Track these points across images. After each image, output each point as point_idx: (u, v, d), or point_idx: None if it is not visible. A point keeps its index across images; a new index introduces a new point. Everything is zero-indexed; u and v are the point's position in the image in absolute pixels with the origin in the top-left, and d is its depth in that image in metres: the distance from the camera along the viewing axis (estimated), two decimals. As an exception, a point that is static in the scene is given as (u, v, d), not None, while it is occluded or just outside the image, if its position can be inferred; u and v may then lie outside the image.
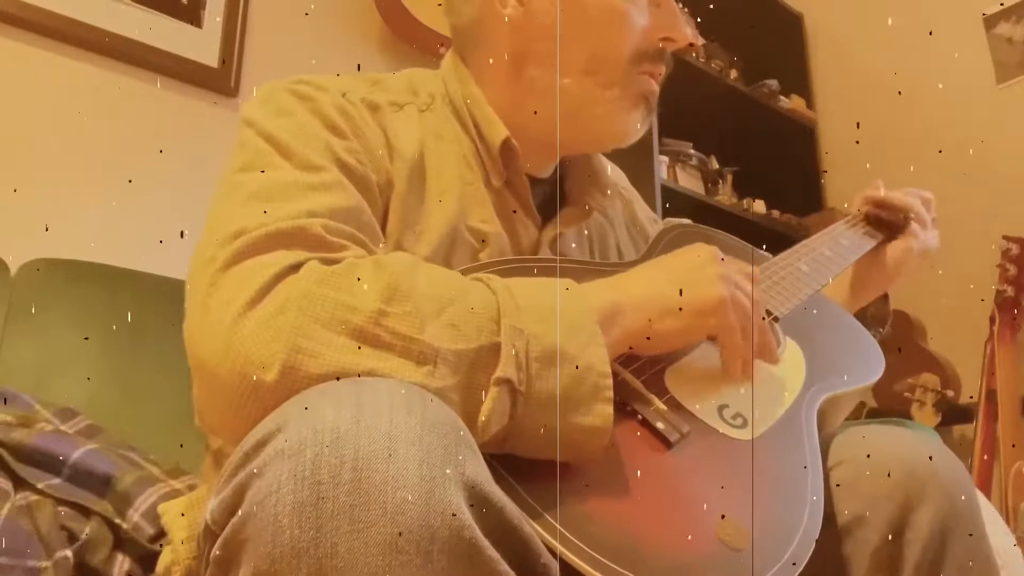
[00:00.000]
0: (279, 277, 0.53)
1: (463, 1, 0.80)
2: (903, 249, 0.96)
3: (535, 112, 0.78)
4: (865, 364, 0.80)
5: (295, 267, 0.54)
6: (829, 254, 0.91)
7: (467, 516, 0.42)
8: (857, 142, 2.61)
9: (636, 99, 0.79)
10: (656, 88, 0.80)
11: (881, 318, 0.97)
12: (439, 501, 0.41)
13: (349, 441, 0.42)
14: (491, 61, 0.80)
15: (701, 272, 0.66)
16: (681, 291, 0.65)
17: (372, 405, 0.44)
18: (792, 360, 0.76)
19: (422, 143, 0.75)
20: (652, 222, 0.99)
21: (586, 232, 0.86)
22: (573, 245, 0.83)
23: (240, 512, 0.42)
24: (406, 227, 0.71)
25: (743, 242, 0.93)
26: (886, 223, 0.99)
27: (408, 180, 0.72)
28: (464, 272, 0.61)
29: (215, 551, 0.44)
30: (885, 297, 1.01)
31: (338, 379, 0.49)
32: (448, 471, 0.43)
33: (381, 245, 0.66)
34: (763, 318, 0.70)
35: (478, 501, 0.44)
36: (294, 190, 0.61)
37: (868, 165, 2.51)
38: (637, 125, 0.80)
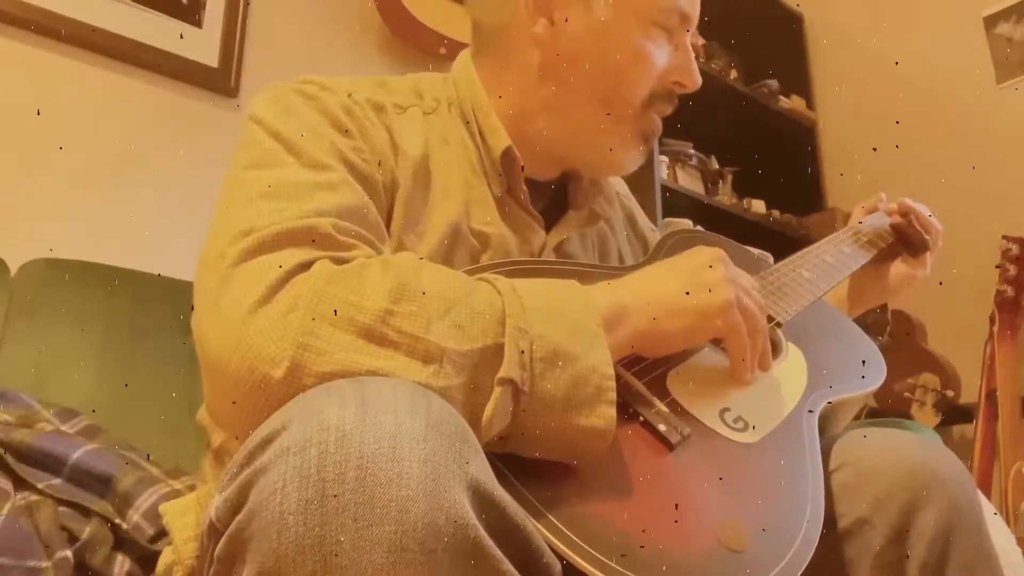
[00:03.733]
0: (289, 275, 0.54)
1: (492, 4, 0.80)
2: (909, 275, 0.98)
3: (543, 128, 0.79)
4: (866, 370, 0.80)
5: (305, 266, 0.55)
6: (831, 261, 0.91)
7: (471, 515, 0.42)
8: (854, 139, 2.61)
9: (640, 137, 0.80)
10: (660, 127, 0.82)
11: (880, 325, 0.98)
12: (443, 500, 0.41)
13: (354, 439, 0.42)
14: (510, 70, 0.80)
15: (708, 273, 0.66)
16: (688, 292, 0.65)
17: (377, 404, 0.44)
18: (794, 365, 0.76)
19: (427, 145, 0.75)
20: (651, 231, 1.00)
21: (589, 237, 0.87)
22: (577, 249, 0.84)
23: (245, 509, 0.43)
24: (409, 227, 0.71)
25: (744, 247, 0.93)
26: (905, 237, 0.99)
27: (412, 180, 0.72)
28: (471, 273, 0.61)
29: (219, 549, 0.44)
30: (884, 305, 1.02)
31: (345, 377, 0.49)
32: (452, 470, 0.43)
33: (386, 244, 0.66)
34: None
35: (482, 500, 0.44)
36: (303, 189, 0.61)
37: (869, 160, 2.51)
38: (636, 159, 0.82)
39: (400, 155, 0.73)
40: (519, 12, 0.78)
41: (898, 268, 0.99)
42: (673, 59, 0.80)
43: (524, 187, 0.78)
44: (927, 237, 0.98)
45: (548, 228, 0.81)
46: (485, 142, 0.78)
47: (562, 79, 0.78)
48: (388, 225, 0.70)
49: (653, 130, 0.81)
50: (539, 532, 0.49)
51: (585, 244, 0.85)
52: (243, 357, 0.51)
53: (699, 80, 0.81)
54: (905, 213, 0.99)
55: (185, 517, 0.71)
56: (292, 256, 0.55)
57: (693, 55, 0.81)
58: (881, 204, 1.04)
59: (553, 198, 0.86)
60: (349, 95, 0.72)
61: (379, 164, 0.70)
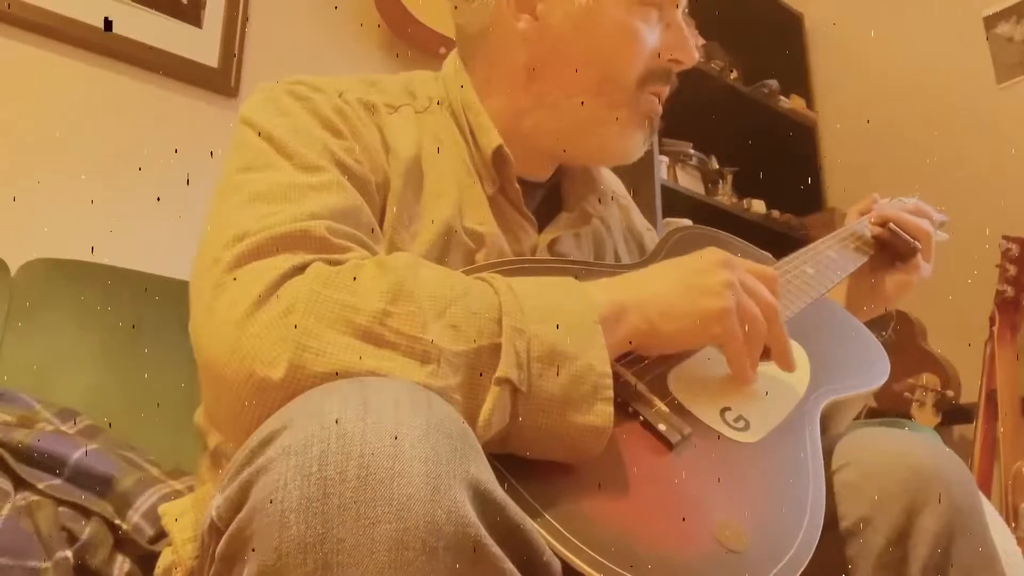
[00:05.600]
0: (284, 278, 0.54)
1: (474, 8, 0.79)
2: (903, 283, 0.94)
3: (538, 125, 0.78)
4: (869, 368, 0.79)
5: (300, 269, 0.55)
6: (835, 257, 0.90)
7: (472, 514, 0.42)
8: (854, 139, 2.61)
9: (641, 119, 0.79)
10: (660, 109, 0.81)
11: (883, 323, 0.97)
12: (444, 499, 0.41)
13: (355, 438, 0.42)
14: (499, 71, 0.79)
15: (709, 278, 0.66)
16: (687, 295, 0.65)
17: (378, 403, 0.44)
18: (797, 363, 0.75)
19: (419, 144, 0.75)
20: (647, 231, 0.99)
21: (584, 237, 0.86)
22: (571, 249, 0.83)
23: (246, 508, 0.43)
24: (401, 227, 0.71)
25: (747, 244, 0.92)
26: (889, 247, 0.95)
27: (404, 180, 0.72)
28: (468, 272, 0.61)
29: (220, 547, 0.44)
30: None
31: (344, 378, 0.49)
32: (453, 469, 0.43)
33: (380, 245, 0.66)
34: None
35: (482, 499, 0.44)
36: (296, 191, 0.61)
37: (869, 163, 2.50)
38: (640, 144, 0.81)
39: (392, 155, 0.73)
40: (502, 12, 0.77)
41: (893, 275, 0.95)
42: (666, 37, 0.78)
43: (516, 186, 0.78)
44: (913, 242, 0.93)
45: (541, 228, 0.81)
46: (476, 141, 0.78)
47: (552, 73, 0.77)
48: (381, 225, 0.69)
49: (652, 111, 0.80)
50: (538, 532, 0.49)
51: (580, 244, 0.85)
52: (241, 360, 0.51)
53: (696, 55, 0.80)
54: (884, 223, 0.95)
55: (184, 518, 0.71)
56: (287, 260, 0.55)
57: (687, 31, 0.80)
58: (876, 206, 1.00)
59: (546, 198, 0.85)
60: (340, 95, 0.72)
61: (371, 164, 0.70)
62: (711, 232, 0.91)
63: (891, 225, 0.94)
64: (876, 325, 0.93)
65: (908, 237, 0.93)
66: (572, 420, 0.54)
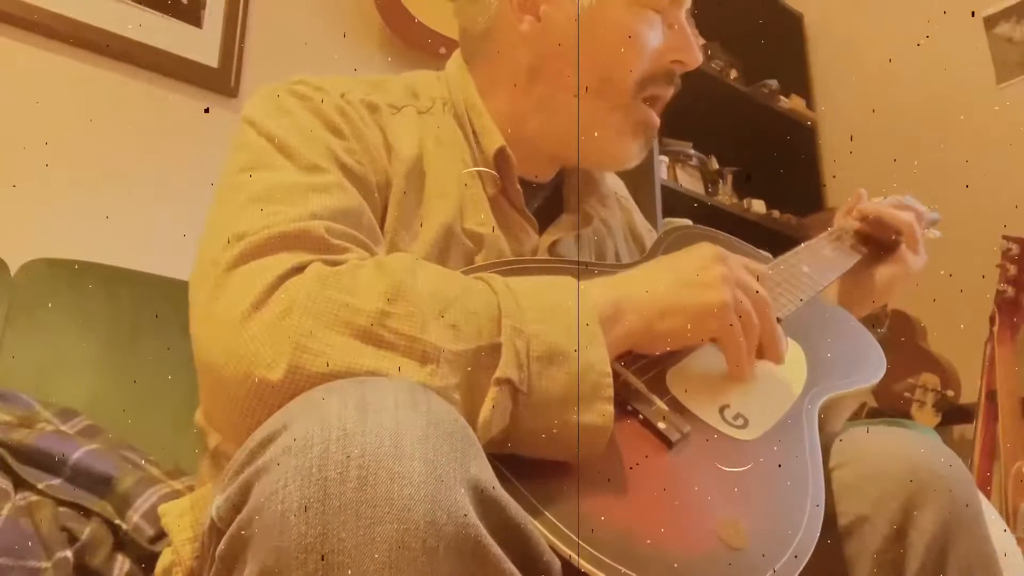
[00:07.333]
0: (283, 279, 0.54)
1: (477, 9, 0.80)
2: (891, 275, 0.94)
3: (540, 126, 0.79)
4: (867, 365, 0.79)
5: (299, 269, 0.55)
6: (831, 255, 0.91)
7: (472, 514, 0.42)
8: (854, 139, 2.61)
9: (635, 126, 0.79)
10: (657, 121, 0.81)
11: (878, 320, 0.97)
12: (445, 499, 0.41)
13: (356, 438, 0.42)
14: (501, 72, 0.79)
15: (704, 274, 0.66)
16: (683, 291, 0.65)
17: (378, 403, 0.44)
18: (794, 361, 0.75)
19: (421, 145, 0.75)
20: (648, 232, 0.99)
21: (585, 239, 0.86)
22: (572, 251, 0.83)
23: (246, 508, 0.43)
24: (402, 227, 0.71)
25: (745, 243, 0.92)
26: (875, 240, 0.96)
27: (406, 181, 0.72)
28: (467, 272, 0.61)
29: (221, 547, 0.44)
30: None
31: (343, 379, 0.49)
32: (454, 469, 0.43)
33: (380, 246, 0.66)
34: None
35: (483, 499, 0.44)
36: (296, 192, 0.61)
37: (869, 160, 2.51)
38: (636, 151, 0.81)
39: (394, 155, 0.73)
40: (504, 13, 0.78)
41: (881, 274, 0.95)
42: (669, 38, 0.79)
43: (518, 187, 0.78)
44: (894, 236, 0.94)
45: (542, 229, 0.81)
46: (479, 142, 0.78)
47: (553, 74, 0.77)
48: (382, 226, 0.70)
49: (649, 121, 0.80)
50: (539, 531, 0.49)
51: (581, 246, 0.85)
52: (239, 362, 0.51)
53: (699, 56, 0.80)
54: (864, 218, 0.96)
55: (184, 518, 0.71)
56: (285, 260, 0.55)
57: (690, 32, 0.80)
58: (861, 203, 1.00)
59: (548, 200, 0.85)
60: (343, 95, 0.72)
61: (373, 165, 0.70)
62: (708, 232, 0.91)
63: (871, 217, 0.95)
64: (870, 323, 0.93)
65: (887, 231, 0.94)
66: (572, 420, 0.54)
